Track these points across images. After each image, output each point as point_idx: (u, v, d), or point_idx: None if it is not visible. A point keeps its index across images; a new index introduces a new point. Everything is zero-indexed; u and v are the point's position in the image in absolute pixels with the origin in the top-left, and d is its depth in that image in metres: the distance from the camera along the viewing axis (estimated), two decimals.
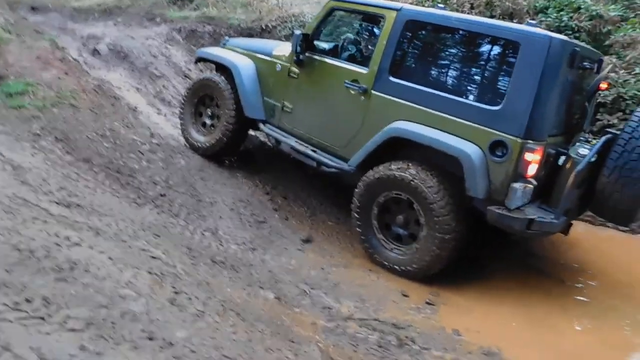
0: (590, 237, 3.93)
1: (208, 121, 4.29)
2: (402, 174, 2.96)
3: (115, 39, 7.08)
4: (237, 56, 4.09)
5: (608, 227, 4.08)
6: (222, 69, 4.18)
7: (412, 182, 2.91)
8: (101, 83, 5.26)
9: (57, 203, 2.58)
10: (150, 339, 1.61)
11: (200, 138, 4.24)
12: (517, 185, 2.68)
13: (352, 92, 3.31)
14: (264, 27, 7.36)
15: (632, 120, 2.82)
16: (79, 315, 1.57)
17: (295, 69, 3.70)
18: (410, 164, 2.98)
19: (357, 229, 3.25)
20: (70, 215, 2.43)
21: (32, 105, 3.69)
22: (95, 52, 6.73)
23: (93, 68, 6.15)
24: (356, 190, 3.22)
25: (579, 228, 3.96)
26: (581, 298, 3.10)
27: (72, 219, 2.36)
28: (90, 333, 1.51)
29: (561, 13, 5.36)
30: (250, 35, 7.29)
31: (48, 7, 9.62)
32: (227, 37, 4.60)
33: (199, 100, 4.32)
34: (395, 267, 3.08)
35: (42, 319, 1.50)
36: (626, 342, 2.74)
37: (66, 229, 2.20)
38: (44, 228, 2.12)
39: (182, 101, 4.46)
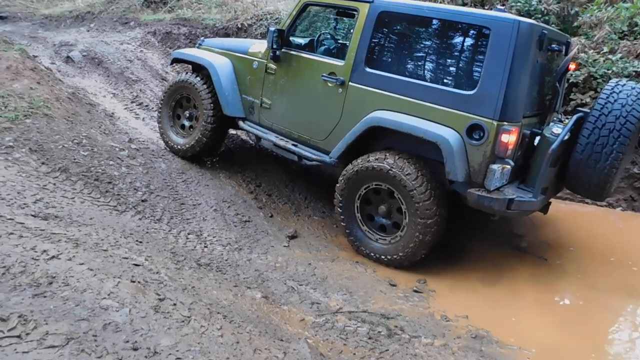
0: (570, 214, 4.02)
1: (187, 123, 4.24)
2: (380, 164, 2.97)
3: (89, 45, 6.92)
4: (213, 55, 4.04)
5: (587, 203, 4.19)
6: (199, 69, 4.13)
7: (390, 171, 2.93)
8: (76, 90, 5.15)
9: (33, 216, 2.52)
10: (135, 349, 1.59)
11: (180, 140, 4.20)
12: (495, 166, 2.72)
13: (330, 84, 3.30)
14: (239, 26, 7.29)
15: (601, 98, 2.88)
16: (58, 331, 1.53)
17: (272, 65, 3.67)
18: (387, 154, 3.00)
19: (341, 222, 3.26)
20: (47, 227, 2.38)
21: (3, 118, 3.58)
22: (68, 60, 6.58)
23: (67, 76, 6.02)
24: (337, 185, 3.23)
25: (561, 206, 4.06)
26: (562, 274, 3.18)
27: (50, 232, 2.31)
28: (71, 348, 1.49)
29: None
30: (227, 35, 7.21)
31: (17, 16, 9.36)
32: (202, 38, 4.54)
33: (177, 102, 4.27)
34: (382, 257, 3.11)
35: (19, 337, 1.46)
36: (608, 317, 2.82)
37: (43, 242, 2.15)
38: (20, 243, 2.06)
39: (160, 104, 4.40)
